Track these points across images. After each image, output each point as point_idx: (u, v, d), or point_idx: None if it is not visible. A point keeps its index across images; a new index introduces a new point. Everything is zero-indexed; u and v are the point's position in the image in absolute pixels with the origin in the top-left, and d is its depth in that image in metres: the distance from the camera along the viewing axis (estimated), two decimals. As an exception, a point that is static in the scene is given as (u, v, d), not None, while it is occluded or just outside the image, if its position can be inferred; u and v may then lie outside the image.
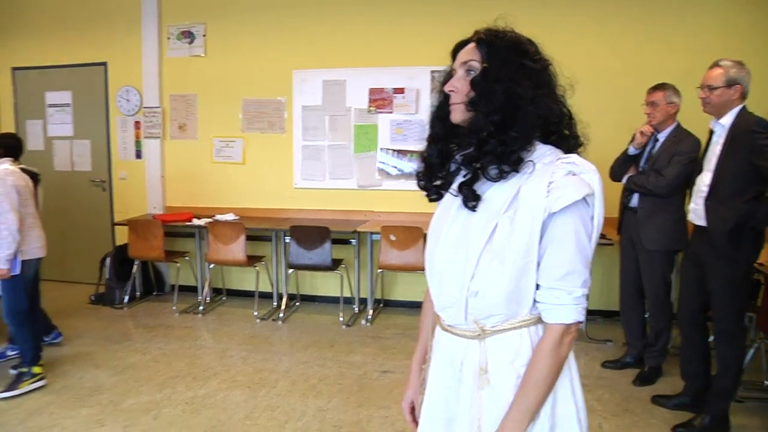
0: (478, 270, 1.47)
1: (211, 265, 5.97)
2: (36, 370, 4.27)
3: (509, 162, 1.46)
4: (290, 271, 5.82)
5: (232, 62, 6.32)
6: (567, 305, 1.45)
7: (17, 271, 4.13)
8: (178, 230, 6.29)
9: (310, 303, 6.27)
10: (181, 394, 4.15)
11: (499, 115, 1.45)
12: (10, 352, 4.84)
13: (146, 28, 6.51)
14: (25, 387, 4.19)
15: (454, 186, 1.57)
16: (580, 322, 1.48)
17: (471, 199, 1.51)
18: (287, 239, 5.73)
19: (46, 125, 7.13)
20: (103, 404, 4.03)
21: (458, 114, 1.53)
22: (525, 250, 1.43)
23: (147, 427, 3.71)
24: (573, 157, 1.48)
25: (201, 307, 6.06)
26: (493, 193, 1.50)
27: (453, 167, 1.62)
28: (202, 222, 5.97)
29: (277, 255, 6.15)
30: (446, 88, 1.55)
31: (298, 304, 6.23)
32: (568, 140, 1.56)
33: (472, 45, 1.53)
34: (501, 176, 1.47)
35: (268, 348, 5.05)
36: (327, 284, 6.21)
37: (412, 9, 5.83)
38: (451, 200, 1.59)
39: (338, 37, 6.02)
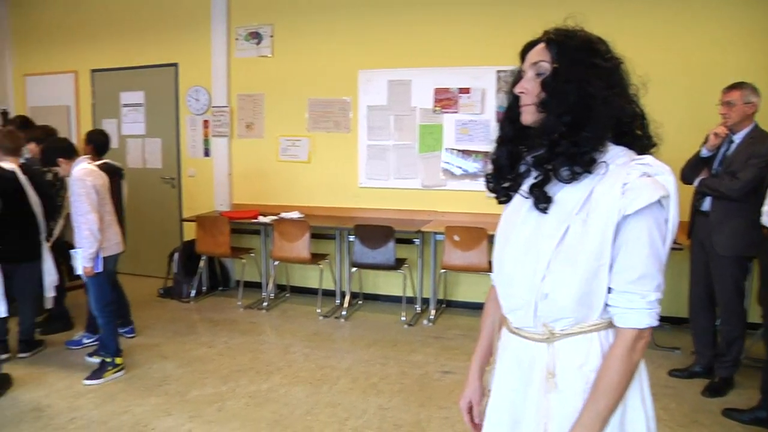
0: (548, 272, 1.46)
1: (276, 262, 6.08)
2: (118, 360, 4.46)
3: (582, 163, 1.45)
4: (353, 269, 5.88)
5: (299, 62, 6.41)
6: (640, 309, 1.43)
7: (100, 268, 4.28)
8: (244, 227, 6.43)
9: (373, 302, 6.31)
10: (244, 388, 4.26)
11: (571, 115, 1.44)
12: (86, 340, 5.06)
13: (215, 29, 6.67)
14: (108, 376, 4.39)
15: (525, 187, 1.56)
16: (654, 328, 1.46)
17: (542, 200, 1.50)
18: (351, 238, 5.78)
19: (120, 124, 7.39)
20: (170, 394, 4.18)
21: (529, 115, 1.53)
22: (597, 253, 1.42)
23: (211, 418, 3.83)
24: (647, 158, 1.46)
25: (265, 303, 6.18)
26: (564, 194, 1.49)
27: (522, 169, 1.61)
28: (267, 219, 6.09)
29: (340, 253, 6.22)
30: (516, 90, 1.55)
31: (360, 302, 6.29)
32: (641, 140, 1.54)
33: (541, 45, 1.51)
34: (573, 178, 1.46)
35: (330, 345, 5.12)
36: (389, 283, 6.25)
37: (478, 9, 5.79)
38: (521, 202, 1.58)
39: (404, 37, 6.04)
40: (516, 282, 1.55)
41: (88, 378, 4.37)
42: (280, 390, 4.21)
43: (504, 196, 1.66)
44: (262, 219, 6.16)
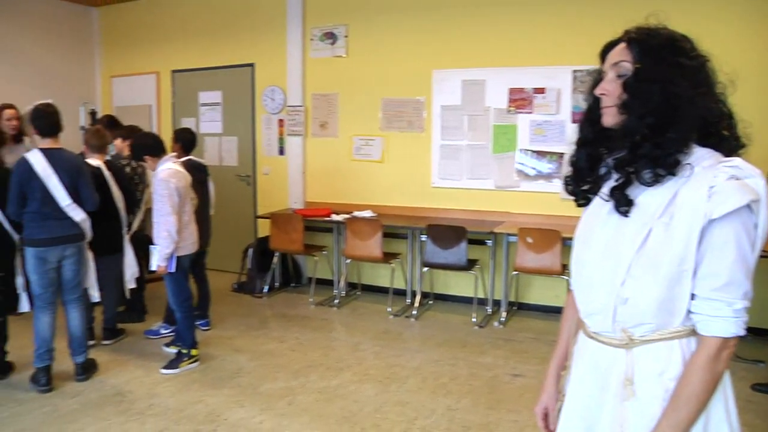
0: (629, 276, 1.42)
1: (348, 260, 6.12)
2: (194, 352, 4.59)
3: (665, 165, 1.40)
4: (425, 269, 5.86)
5: (373, 62, 6.44)
6: (726, 317, 1.36)
7: (173, 268, 4.41)
8: (318, 225, 6.50)
9: (443, 302, 6.28)
10: (314, 383, 4.30)
11: (654, 117, 1.39)
12: (163, 331, 5.22)
13: (291, 30, 6.77)
14: (184, 367, 4.53)
15: (605, 190, 1.52)
16: (740, 337, 1.39)
17: (623, 203, 1.46)
18: (423, 237, 5.77)
19: (198, 123, 7.59)
20: (242, 386, 4.26)
21: (610, 117, 1.49)
22: (681, 258, 1.36)
23: (282, 411, 3.88)
24: (736, 160, 1.40)
25: (336, 301, 6.23)
26: (646, 197, 1.44)
27: (603, 171, 1.57)
28: (340, 218, 6.14)
29: (412, 253, 6.21)
30: (597, 92, 1.51)
31: (431, 302, 6.27)
32: (728, 142, 1.47)
33: (622, 45, 1.47)
34: (656, 180, 1.41)
35: (400, 344, 5.11)
36: (461, 284, 6.20)
37: (553, 7, 5.68)
38: (601, 204, 1.54)
39: (478, 37, 5.98)
40: (595, 286, 1.51)
41: (165, 367, 4.52)
42: (349, 387, 4.24)
43: (583, 198, 1.62)
44: (335, 217, 6.22)
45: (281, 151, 7.04)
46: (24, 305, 4.32)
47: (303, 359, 4.75)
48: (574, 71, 5.59)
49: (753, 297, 1.40)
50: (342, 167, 6.69)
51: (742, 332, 1.38)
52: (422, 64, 6.20)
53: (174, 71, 7.81)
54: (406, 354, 4.87)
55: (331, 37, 6.63)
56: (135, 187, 5.24)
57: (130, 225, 5.13)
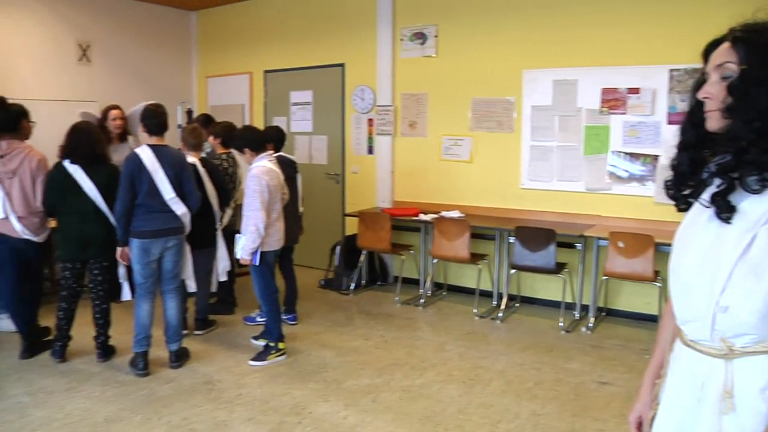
0: (729, 284, 1.35)
1: (435, 260, 6.11)
2: (281, 345, 4.70)
3: None
4: (512, 271, 5.77)
5: (463, 62, 6.40)
6: None
7: (256, 262, 4.52)
8: (405, 224, 6.51)
9: (530, 305, 6.17)
10: (398, 382, 4.30)
11: (762, 121, 1.31)
12: (259, 319, 5.36)
13: (381, 31, 6.82)
14: (271, 360, 4.64)
15: (706, 196, 1.45)
16: None
17: (725, 210, 1.38)
18: (511, 239, 5.68)
19: (289, 122, 7.76)
20: (327, 381, 4.32)
21: (714, 121, 1.41)
22: None
23: (366, 408, 3.91)
24: None
25: (422, 300, 6.23)
26: (749, 204, 1.36)
27: (705, 175, 1.49)
28: (428, 218, 6.13)
29: (499, 254, 6.13)
30: (700, 95, 1.44)
31: (517, 305, 6.17)
32: None
33: (726, 45, 1.39)
34: (764, 187, 1.33)
35: (485, 346, 5.06)
36: (548, 287, 6.07)
37: (648, 4, 5.46)
38: (701, 210, 1.46)
39: (569, 36, 5.83)
40: (692, 293, 1.45)
41: (253, 359, 4.64)
42: (433, 387, 4.22)
43: (684, 203, 1.55)
44: (422, 217, 6.22)
45: (370, 150, 7.10)
46: (126, 294, 4.54)
47: (387, 357, 4.77)
48: (671, 70, 5.36)
49: None
50: (430, 167, 6.68)
51: None
52: (512, 64, 6.10)
53: (266, 71, 8.02)
54: (490, 356, 4.81)
55: (420, 37, 6.63)
56: (227, 184, 5.40)
57: (220, 220, 5.32)
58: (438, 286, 6.67)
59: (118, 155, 5.50)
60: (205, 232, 4.95)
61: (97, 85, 7.67)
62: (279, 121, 7.72)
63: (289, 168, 5.29)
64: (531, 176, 6.11)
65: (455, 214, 6.18)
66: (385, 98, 6.87)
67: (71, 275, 4.59)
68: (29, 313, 4.79)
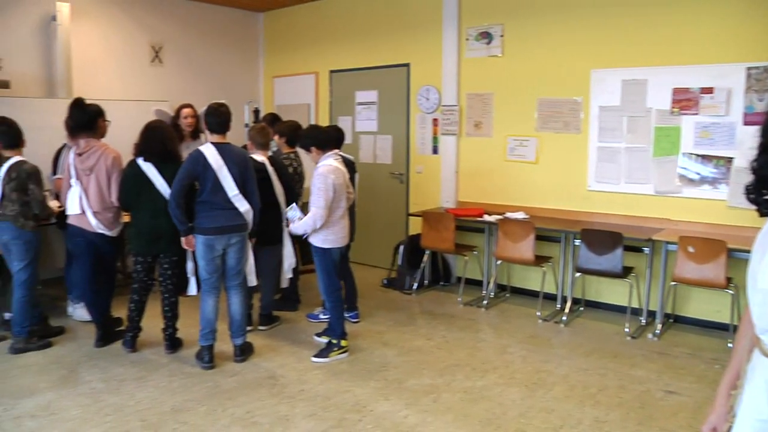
0: None
1: (498, 262, 6.07)
2: (343, 343, 4.76)
3: None
4: (577, 274, 5.67)
5: (529, 62, 6.32)
6: None
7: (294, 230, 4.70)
8: (469, 225, 6.48)
9: (594, 309, 6.05)
10: (460, 383, 4.30)
11: None
12: (322, 316, 5.44)
13: (446, 30, 6.81)
14: (333, 357, 4.70)
15: None
16: None
17: None
18: (577, 242, 5.59)
19: (354, 121, 7.83)
20: (388, 380, 4.34)
21: None
22: None
23: (426, 408, 3.91)
24: None
25: (485, 302, 6.19)
26: None
27: None
28: (492, 219, 6.08)
29: (564, 257, 6.03)
30: None
31: (581, 309, 6.06)
32: None
33: None
34: None
35: (548, 350, 4.99)
36: (614, 292, 5.94)
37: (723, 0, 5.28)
38: None
39: (639, 35, 5.66)
40: None
41: (316, 356, 4.71)
42: (495, 389, 4.20)
43: (766, 208, 1.49)
44: (487, 218, 6.17)
45: (435, 150, 7.10)
46: (192, 289, 4.68)
47: (449, 358, 4.77)
48: (749, 68, 5.15)
49: None
50: (495, 167, 6.63)
51: None
52: (580, 64, 5.99)
53: (332, 71, 8.12)
54: (553, 360, 4.75)
55: (486, 36, 6.59)
56: (295, 184, 5.49)
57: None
58: (501, 288, 6.62)
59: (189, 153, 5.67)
60: (272, 230, 5.06)
61: (169, 85, 7.94)
62: (344, 121, 7.81)
63: (348, 168, 5.34)
64: (598, 178, 5.99)
65: (520, 215, 6.12)
66: (451, 98, 6.85)
67: (142, 268, 4.77)
68: (103, 304, 5.02)
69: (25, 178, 4.64)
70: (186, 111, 6.04)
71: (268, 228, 4.94)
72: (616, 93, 5.84)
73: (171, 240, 4.62)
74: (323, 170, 4.53)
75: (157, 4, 7.86)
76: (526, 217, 6.10)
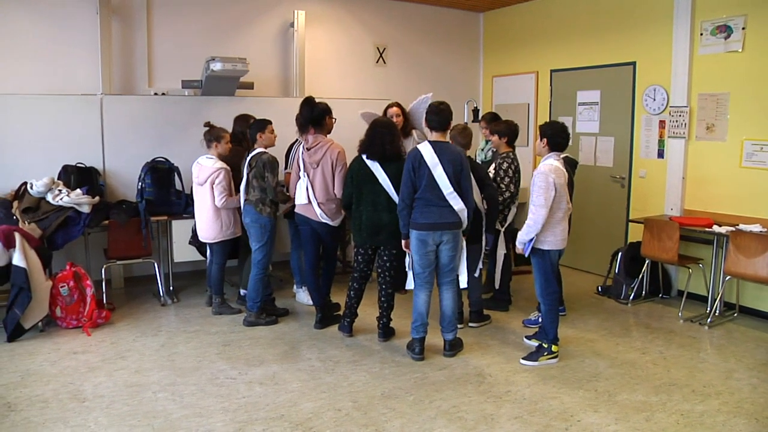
0: None
1: (728, 277, 5.57)
2: (554, 348, 4.69)
3: None
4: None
5: (776, 57, 5.72)
6: None
7: (527, 252, 4.58)
8: (695, 235, 6.03)
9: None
10: (676, 404, 4.01)
11: None
12: (539, 319, 5.21)
13: (677, 25, 6.37)
14: (543, 361, 4.66)
15: None
16: None
17: None
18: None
19: (575, 121, 7.63)
20: (598, 391, 4.19)
21: None
22: None
23: (638, 426, 3.71)
24: None
25: (709, 320, 5.71)
26: None
27: None
28: (723, 230, 5.61)
29: (808, 276, 5.40)
30: None
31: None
32: None
33: None
34: None
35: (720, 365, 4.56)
36: None
37: None
38: None
39: None
40: None
41: (525, 358, 4.69)
42: (717, 416, 3.85)
43: None
44: (716, 228, 5.70)
45: (660, 154, 6.69)
46: (410, 283, 4.85)
47: (665, 376, 4.48)
48: None
49: None
50: (728, 174, 6.07)
51: None
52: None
53: (553, 71, 7.97)
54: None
55: (724, 30, 6.05)
56: (502, 181, 5.48)
57: (505, 218, 5.51)
58: (729, 307, 6.06)
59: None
60: (474, 229, 5.07)
61: (391, 84, 8.31)
62: (565, 121, 7.57)
63: (571, 168, 5.23)
64: None
65: (756, 228, 5.53)
66: (680, 98, 6.41)
67: (362, 259, 5.07)
68: (324, 290, 5.44)
69: (262, 167, 5.17)
70: (392, 110, 6.03)
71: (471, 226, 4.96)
72: None
73: (391, 234, 4.85)
74: (545, 169, 4.47)
75: (381, 6, 8.26)
76: (764, 230, 5.51)
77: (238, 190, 5.45)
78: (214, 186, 5.38)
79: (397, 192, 4.73)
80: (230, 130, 5.86)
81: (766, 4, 5.73)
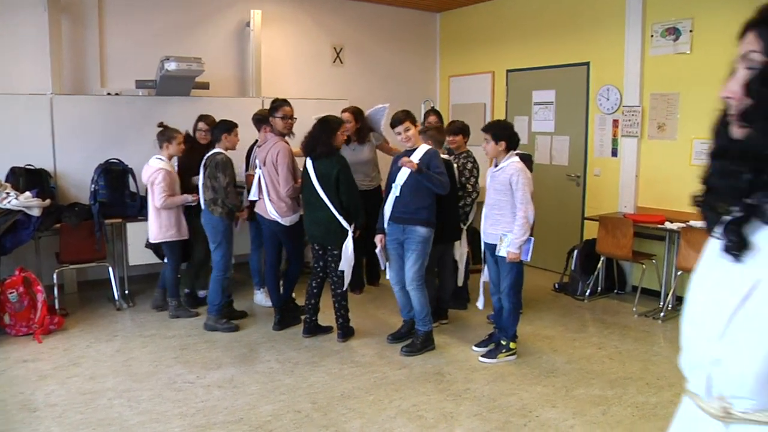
0: (726, 334, 1.11)
1: (679, 272, 5.71)
2: (512, 345, 4.74)
3: None
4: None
5: (721, 58, 5.76)
6: None
7: (527, 257, 4.52)
8: (648, 232, 6.16)
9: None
10: (632, 397, 4.11)
11: None
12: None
13: (629, 27, 6.51)
14: (502, 358, 4.70)
15: (720, 226, 1.18)
16: None
17: (735, 245, 1.12)
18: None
19: (530, 121, 7.72)
20: (556, 387, 4.26)
21: (736, 128, 1.13)
22: None
23: (594, 420, 3.79)
24: None
25: (662, 314, 5.84)
26: (766, 239, 1.10)
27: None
28: (674, 226, 5.75)
29: (754, 270, 5.55)
30: (722, 94, 1.15)
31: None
32: None
33: (752, 31, 1.11)
34: None
35: None
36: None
37: None
38: (717, 241, 1.20)
39: None
40: (693, 336, 1.22)
41: (484, 356, 4.74)
42: (670, 407, 3.91)
43: (713, 224, 1.24)
44: (668, 225, 5.84)
45: (614, 153, 6.81)
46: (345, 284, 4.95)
47: (621, 370, 4.57)
48: None
49: None
50: (679, 172, 6.20)
51: None
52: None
53: (508, 70, 8.05)
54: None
55: (673, 32, 6.19)
56: (468, 182, 5.50)
57: (467, 216, 5.52)
58: (680, 300, 6.21)
59: (355, 154, 5.95)
60: (448, 228, 5.11)
61: (348, 84, 8.30)
62: (520, 121, 7.73)
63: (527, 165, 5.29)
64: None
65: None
66: (633, 98, 6.54)
67: (315, 256, 5.09)
68: (285, 291, 5.45)
69: (215, 167, 5.12)
70: (344, 116, 5.87)
71: (444, 226, 4.98)
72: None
73: (327, 232, 4.89)
74: (519, 166, 4.49)
75: (338, 6, 8.24)
76: (713, 225, 5.66)
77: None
78: (154, 186, 5.33)
79: (325, 191, 4.78)
80: (185, 130, 5.80)
81: (712, 7, 5.88)
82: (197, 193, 5.39)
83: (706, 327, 1.19)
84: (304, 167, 4.96)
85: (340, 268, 4.87)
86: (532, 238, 4.48)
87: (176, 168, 5.67)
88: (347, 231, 4.82)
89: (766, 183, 1.10)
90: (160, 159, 5.41)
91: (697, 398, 1.24)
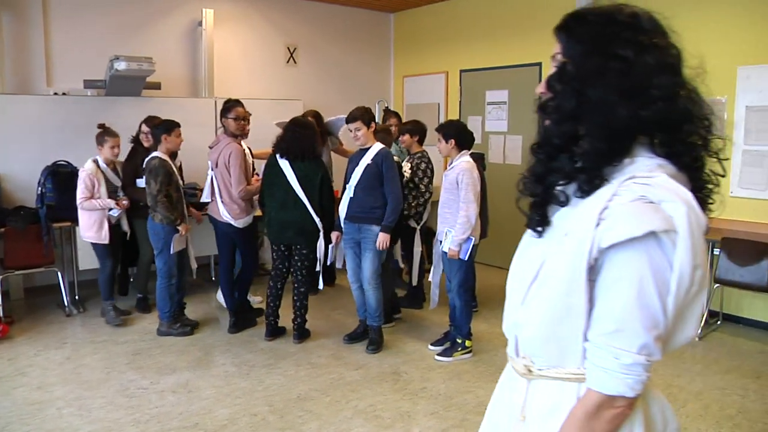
0: (525, 301, 1.30)
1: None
2: (468, 343, 4.78)
3: (582, 182, 1.19)
4: (716, 286, 5.36)
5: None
6: (609, 371, 1.14)
7: (465, 255, 4.54)
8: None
9: (734, 324, 5.67)
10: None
11: (570, 123, 1.20)
12: None
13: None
14: (458, 357, 4.75)
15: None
16: (630, 399, 1.17)
17: (536, 223, 1.31)
18: (716, 251, 5.28)
19: (484, 121, 7.80)
20: (511, 384, 4.31)
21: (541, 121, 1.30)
22: (565, 290, 1.17)
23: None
24: (657, 178, 1.14)
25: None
26: (560, 217, 1.27)
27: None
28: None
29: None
30: (537, 90, 1.32)
31: (719, 322, 5.71)
32: (685, 154, 1.25)
33: (556, 35, 1.29)
34: (566, 201, 1.23)
35: (680, 364, 4.74)
36: (755, 306, 5.56)
37: None
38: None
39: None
40: (507, 303, 1.41)
41: (440, 354, 4.77)
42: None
43: (540, 226, 1.42)
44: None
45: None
46: (320, 284, 4.86)
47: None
48: None
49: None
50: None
51: (631, 393, 1.15)
52: (725, 61, 5.58)
53: (462, 71, 8.12)
54: (686, 375, 4.52)
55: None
56: (421, 182, 5.52)
57: (421, 216, 5.55)
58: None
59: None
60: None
61: (302, 84, 8.26)
62: (474, 120, 7.79)
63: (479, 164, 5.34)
64: (742, 184, 5.62)
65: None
66: (583, 98, 6.65)
67: (277, 257, 5.05)
68: (239, 293, 5.36)
69: (148, 173, 5.01)
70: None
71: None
72: (766, 92, 5.45)
73: (298, 232, 4.86)
74: (467, 166, 4.52)
75: (292, 6, 8.18)
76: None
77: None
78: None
79: (305, 192, 4.78)
80: (137, 132, 5.69)
81: (653, 8, 5.98)
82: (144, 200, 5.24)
83: (514, 294, 1.36)
84: (272, 168, 4.89)
85: (318, 268, 4.94)
86: (472, 238, 4.50)
87: (119, 171, 5.59)
88: (320, 231, 4.85)
89: (558, 169, 1.25)
90: (94, 161, 5.36)
91: (511, 359, 1.42)
